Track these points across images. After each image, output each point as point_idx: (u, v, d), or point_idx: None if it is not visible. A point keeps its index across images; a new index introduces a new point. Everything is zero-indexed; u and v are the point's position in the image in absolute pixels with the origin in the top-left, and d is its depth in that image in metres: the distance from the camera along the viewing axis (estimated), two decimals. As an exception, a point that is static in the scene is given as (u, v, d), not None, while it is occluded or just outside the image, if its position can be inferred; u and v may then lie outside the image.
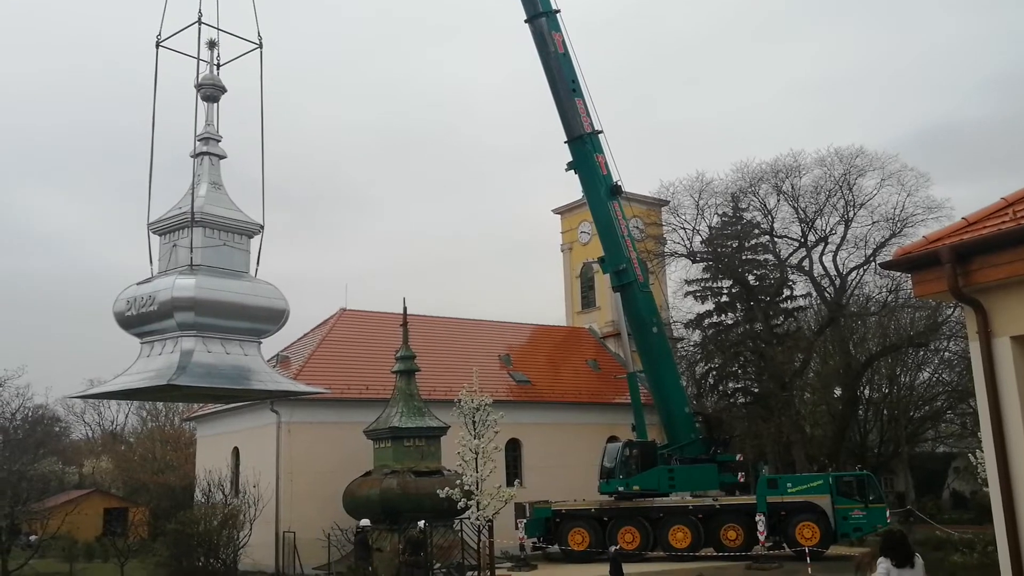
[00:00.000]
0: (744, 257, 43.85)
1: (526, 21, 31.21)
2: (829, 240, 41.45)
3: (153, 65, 13.70)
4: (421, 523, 23.04)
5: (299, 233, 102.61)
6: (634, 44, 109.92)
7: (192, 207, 13.37)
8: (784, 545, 28.65)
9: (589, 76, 32.82)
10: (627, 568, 22.38)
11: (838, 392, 43.95)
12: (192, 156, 14.22)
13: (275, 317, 13.71)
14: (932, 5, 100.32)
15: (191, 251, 13.20)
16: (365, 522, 23.23)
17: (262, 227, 14.06)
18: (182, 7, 13.91)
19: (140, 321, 12.97)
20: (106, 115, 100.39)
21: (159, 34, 13.85)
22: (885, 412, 46.37)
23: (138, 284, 13.26)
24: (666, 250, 43.49)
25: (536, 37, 31.12)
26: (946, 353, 43.59)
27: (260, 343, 13.77)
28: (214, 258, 13.45)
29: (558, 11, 31.20)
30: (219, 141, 14.40)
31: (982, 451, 9.19)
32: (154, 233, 13.85)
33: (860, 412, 45.54)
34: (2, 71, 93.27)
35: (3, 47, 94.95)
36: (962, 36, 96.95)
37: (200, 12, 13.64)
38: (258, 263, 13.96)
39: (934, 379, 46.47)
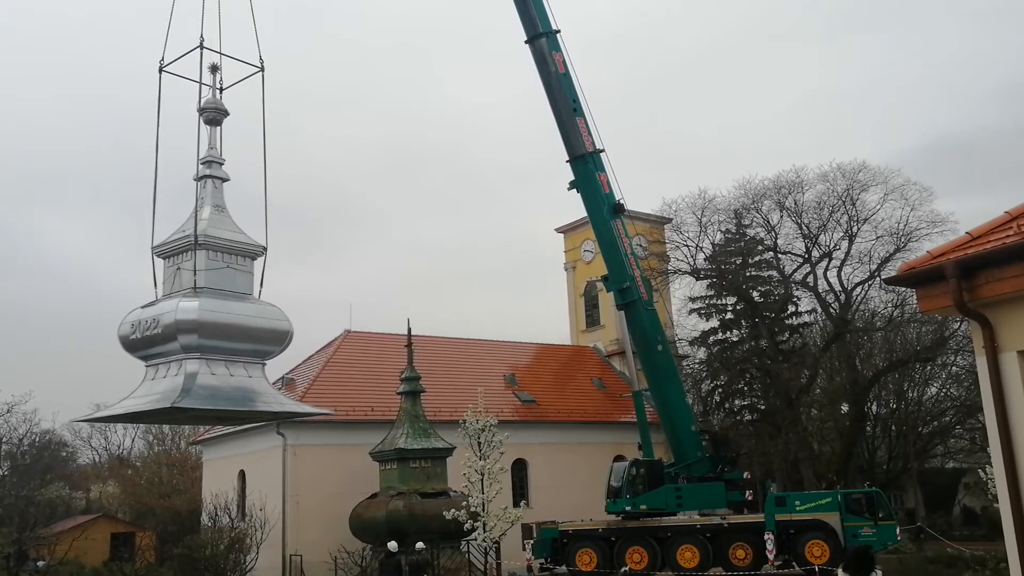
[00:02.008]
0: (748, 274, 43.79)
1: (526, 42, 31.29)
2: (833, 256, 41.42)
3: (156, 90, 13.86)
4: (419, 545, 22.84)
5: (302, 254, 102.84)
6: (635, 63, 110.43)
7: (195, 230, 13.43)
8: (793, 563, 28.37)
9: (590, 95, 32.89)
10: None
11: (845, 408, 43.70)
12: (195, 179, 14.29)
13: (279, 338, 13.74)
14: (934, 17, 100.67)
15: (194, 274, 13.25)
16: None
17: (265, 249, 14.12)
18: (184, 32, 14.04)
19: (145, 344, 13.01)
20: (110, 139, 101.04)
21: (162, 59, 14.02)
22: (893, 428, 46.05)
23: (142, 307, 13.30)
24: (670, 267, 43.44)
25: (536, 57, 31.18)
26: (953, 368, 43.42)
27: (264, 365, 13.79)
28: (217, 280, 13.50)
29: (558, 31, 31.27)
30: (222, 164, 14.50)
31: (992, 466, 9.12)
32: (158, 256, 13.92)
33: (868, 428, 45.23)
34: (8, 95, 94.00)
35: (10, 74, 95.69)
36: (966, 47, 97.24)
37: (202, 37, 13.79)
38: (261, 285, 14.04)
39: (942, 394, 46.16)
